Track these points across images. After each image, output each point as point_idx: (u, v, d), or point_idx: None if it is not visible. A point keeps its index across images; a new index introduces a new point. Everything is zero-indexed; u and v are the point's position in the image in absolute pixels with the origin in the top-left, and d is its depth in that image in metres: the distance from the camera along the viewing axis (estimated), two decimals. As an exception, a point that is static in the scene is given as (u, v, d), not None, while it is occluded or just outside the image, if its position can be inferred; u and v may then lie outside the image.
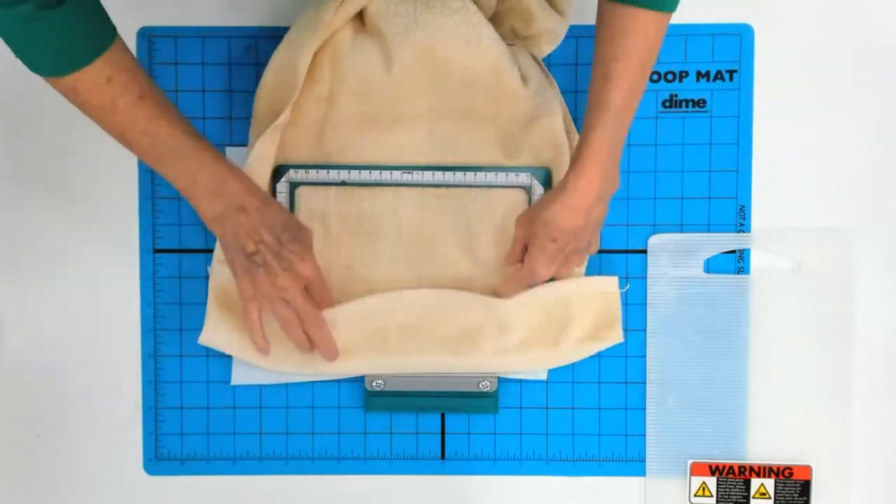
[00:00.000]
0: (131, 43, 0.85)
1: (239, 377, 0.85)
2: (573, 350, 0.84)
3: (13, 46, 0.67)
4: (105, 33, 0.68)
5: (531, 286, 0.81)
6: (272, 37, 0.84)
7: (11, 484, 0.87)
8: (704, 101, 0.85)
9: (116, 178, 0.86)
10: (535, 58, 0.83)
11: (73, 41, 0.66)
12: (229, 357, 0.85)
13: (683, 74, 0.85)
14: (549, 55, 0.84)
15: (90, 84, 0.68)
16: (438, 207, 0.84)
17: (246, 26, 0.85)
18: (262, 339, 0.78)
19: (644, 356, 0.86)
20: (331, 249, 0.84)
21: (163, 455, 0.87)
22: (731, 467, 0.85)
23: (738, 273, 0.86)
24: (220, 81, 0.85)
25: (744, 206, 0.85)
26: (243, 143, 0.84)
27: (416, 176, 0.84)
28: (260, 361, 0.83)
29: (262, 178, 0.81)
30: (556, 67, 0.84)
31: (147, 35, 0.85)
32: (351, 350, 0.82)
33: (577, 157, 0.73)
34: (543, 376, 0.85)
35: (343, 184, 0.84)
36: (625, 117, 0.71)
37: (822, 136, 0.86)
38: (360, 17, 0.81)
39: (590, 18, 0.83)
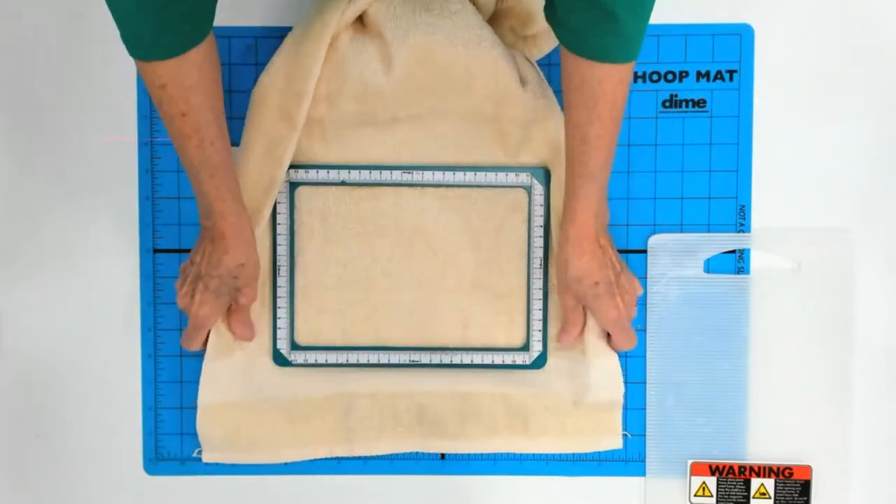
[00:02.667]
0: (131, 43, 0.85)
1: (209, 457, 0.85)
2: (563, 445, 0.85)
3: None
4: (176, 44, 0.68)
5: (622, 327, 0.81)
6: (272, 37, 0.84)
7: (11, 484, 0.87)
8: (704, 101, 0.85)
9: (116, 178, 0.86)
10: (531, 62, 0.83)
11: (152, 34, 0.67)
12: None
13: (683, 74, 0.85)
14: (549, 55, 0.84)
15: (148, 79, 0.69)
16: (438, 207, 0.84)
17: (246, 26, 0.85)
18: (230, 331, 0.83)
19: (644, 356, 0.86)
20: (330, 249, 0.84)
21: (163, 455, 0.87)
22: (731, 467, 0.85)
23: (738, 273, 0.86)
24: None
25: (744, 206, 0.85)
26: (243, 143, 0.84)
27: (416, 176, 0.84)
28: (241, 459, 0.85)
29: (274, 184, 0.82)
30: (557, 67, 0.84)
31: (147, 35, 0.85)
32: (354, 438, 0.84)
33: (570, 214, 0.76)
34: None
35: (343, 184, 0.84)
36: (607, 169, 0.75)
37: (821, 136, 0.86)
38: (359, 19, 0.81)
39: (590, 18, 0.83)
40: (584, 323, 0.82)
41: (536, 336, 0.85)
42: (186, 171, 0.75)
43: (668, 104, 0.85)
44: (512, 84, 0.81)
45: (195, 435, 0.84)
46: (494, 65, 0.80)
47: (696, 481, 0.86)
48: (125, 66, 0.85)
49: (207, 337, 0.82)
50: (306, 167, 0.84)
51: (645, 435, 0.86)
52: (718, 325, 0.85)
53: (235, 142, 0.85)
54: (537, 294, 0.85)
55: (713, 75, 0.85)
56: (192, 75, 0.69)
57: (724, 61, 0.85)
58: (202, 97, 0.71)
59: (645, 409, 0.86)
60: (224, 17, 0.84)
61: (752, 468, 0.85)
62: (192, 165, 0.74)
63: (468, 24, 0.80)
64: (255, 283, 0.80)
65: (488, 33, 0.80)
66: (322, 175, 0.84)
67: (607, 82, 0.69)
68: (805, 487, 0.85)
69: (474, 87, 0.82)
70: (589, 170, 0.73)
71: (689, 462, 0.85)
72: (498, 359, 0.85)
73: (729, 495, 0.85)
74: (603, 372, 0.83)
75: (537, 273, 0.85)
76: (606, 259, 0.78)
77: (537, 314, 0.85)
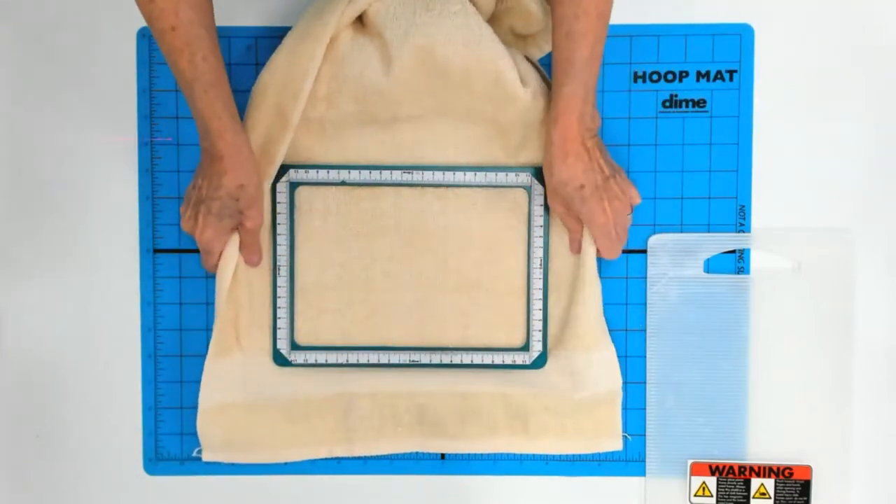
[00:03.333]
0: (131, 43, 0.85)
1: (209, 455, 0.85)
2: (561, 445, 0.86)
3: None
4: None
5: (610, 233, 0.81)
6: (272, 37, 0.84)
7: (11, 484, 0.87)
8: (704, 101, 0.85)
9: (116, 178, 0.86)
10: (532, 61, 0.83)
11: None
12: (229, 357, 0.85)
13: (683, 74, 0.85)
14: (549, 55, 0.84)
15: None
16: (438, 207, 0.84)
17: (246, 26, 0.85)
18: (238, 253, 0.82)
19: (644, 356, 0.86)
20: (330, 249, 0.84)
21: (163, 455, 0.87)
22: (731, 467, 0.85)
23: (738, 273, 0.86)
24: (220, 81, 0.85)
25: (744, 206, 0.85)
26: (243, 143, 0.84)
27: (416, 176, 0.84)
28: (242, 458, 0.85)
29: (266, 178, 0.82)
30: (556, 67, 0.84)
31: (147, 35, 0.85)
32: (354, 438, 0.85)
33: (553, 114, 0.77)
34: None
35: (343, 184, 0.84)
36: (592, 67, 0.76)
37: (821, 136, 0.86)
38: (359, 19, 0.81)
39: (590, 18, 0.83)
40: (591, 228, 0.82)
41: (536, 336, 0.85)
42: (182, 92, 0.75)
43: (668, 104, 0.85)
44: (512, 84, 0.81)
45: (195, 435, 0.84)
46: (494, 65, 0.80)
47: (696, 481, 0.86)
48: (125, 66, 0.85)
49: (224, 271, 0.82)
50: (306, 167, 0.84)
51: (645, 435, 0.86)
52: (718, 325, 0.85)
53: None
54: (537, 294, 0.85)
55: (713, 75, 0.85)
56: None
57: (724, 61, 0.85)
58: (191, 11, 0.72)
59: (645, 409, 0.86)
60: (224, 17, 0.84)
61: (752, 468, 0.85)
62: (185, 82, 0.74)
63: (468, 24, 0.80)
64: (258, 205, 0.79)
65: (488, 33, 0.80)
66: (322, 175, 0.84)
67: None
68: (805, 487, 0.85)
69: (474, 87, 0.82)
70: (573, 67, 0.74)
71: (689, 462, 0.85)
72: (498, 359, 0.85)
73: (729, 495, 0.85)
74: (601, 363, 0.84)
75: (537, 273, 0.85)
76: (593, 162, 0.78)
77: (537, 314, 0.85)
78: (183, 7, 0.71)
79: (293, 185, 0.84)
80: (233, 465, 0.85)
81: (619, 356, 0.85)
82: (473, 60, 0.80)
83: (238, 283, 0.84)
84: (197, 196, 0.79)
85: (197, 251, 0.85)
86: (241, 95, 0.84)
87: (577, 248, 0.83)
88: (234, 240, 0.81)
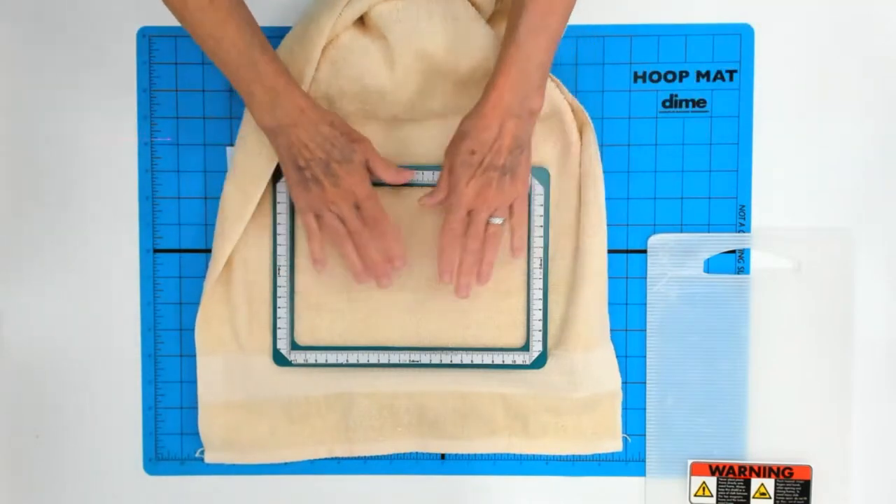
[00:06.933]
0: (131, 43, 0.85)
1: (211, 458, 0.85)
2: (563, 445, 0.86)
3: None
4: None
5: (458, 209, 0.77)
6: (272, 37, 0.84)
7: (11, 484, 0.87)
8: (704, 101, 0.85)
9: (116, 178, 0.86)
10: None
11: None
12: (229, 357, 0.86)
13: (683, 74, 0.85)
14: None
15: None
16: (438, 207, 0.84)
17: (246, 26, 0.85)
18: (319, 248, 0.80)
19: (644, 356, 0.86)
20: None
21: (163, 455, 0.87)
22: (731, 467, 0.85)
23: (738, 273, 0.86)
24: (219, 81, 0.85)
25: (744, 206, 0.85)
26: (243, 142, 0.84)
27: (417, 175, 0.84)
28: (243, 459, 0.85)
29: (264, 176, 0.81)
30: (556, 67, 0.84)
31: (147, 35, 0.85)
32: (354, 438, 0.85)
33: (492, 76, 0.74)
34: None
35: (343, 184, 0.84)
36: (539, 40, 0.72)
37: (822, 137, 0.86)
38: (360, 20, 0.81)
39: (590, 18, 0.84)
40: (449, 195, 0.78)
41: (536, 336, 0.85)
42: (234, 78, 0.73)
43: (668, 104, 0.85)
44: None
45: (195, 435, 0.84)
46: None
47: (696, 481, 0.86)
48: (126, 67, 0.85)
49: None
50: (306, 167, 0.84)
51: (645, 435, 0.86)
52: (718, 325, 0.85)
53: (232, 142, 0.85)
54: (537, 294, 0.85)
55: (713, 75, 0.85)
56: None
57: (724, 61, 0.85)
58: None
59: (645, 409, 0.86)
60: (224, 17, 0.84)
61: (752, 468, 0.85)
62: (240, 55, 0.72)
63: (470, 29, 0.80)
64: (351, 129, 0.77)
65: (490, 39, 0.80)
66: (322, 175, 0.84)
67: None
68: (805, 487, 0.85)
69: (475, 89, 0.82)
70: (517, 34, 0.72)
71: (689, 462, 0.85)
72: (498, 359, 0.85)
73: (729, 495, 0.85)
74: (601, 363, 0.84)
75: (537, 273, 0.85)
76: (502, 143, 0.74)
77: (537, 314, 0.85)
78: None
79: (293, 185, 0.84)
80: (233, 465, 0.85)
81: (619, 356, 0.85)
82: (475, 64, 0.80)
83: (237, 283, 0.84)
84: (321, 170, 0.75)
85: (197, 251, 0.85)
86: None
87: (428, 204, 0.79)
88: (235, 235, 0.81)
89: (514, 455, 0.86)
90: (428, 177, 0.84)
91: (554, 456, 0.86)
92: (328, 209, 0.77)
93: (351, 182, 0.76)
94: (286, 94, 0.74)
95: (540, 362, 0.85)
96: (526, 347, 0.85)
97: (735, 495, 0.85)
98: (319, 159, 0.75)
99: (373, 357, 0.85)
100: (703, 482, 0.85)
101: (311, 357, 0.85)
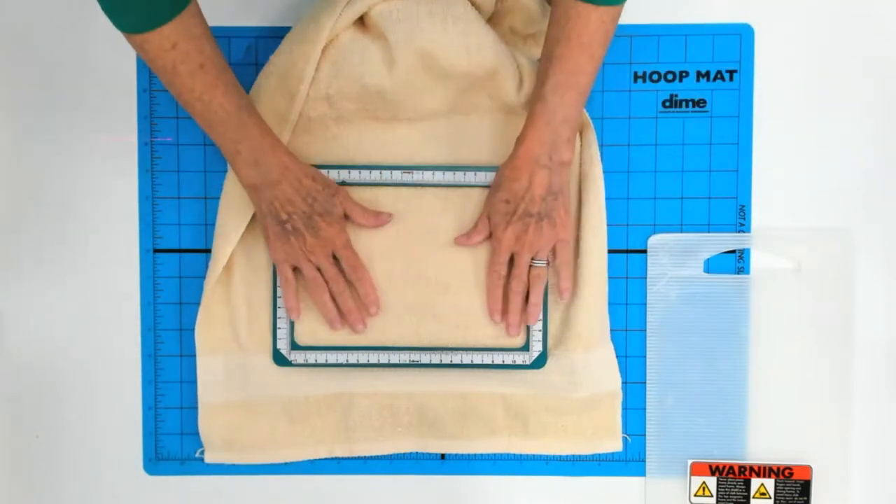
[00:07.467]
0: (131, 43, 0.85)
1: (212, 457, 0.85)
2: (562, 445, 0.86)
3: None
4: (177, 1, 0.69)
5: (499, 253, 0.81)
6: (272, 37, 0.84)
7: (11, 484, 0.87)
8: (704, 101, 0.85)
9: (116, 178, 0.86)
10: (532, 62, 0.83)
11: (144, 4, 0.68)
12: (229, 357, 0.86)
13: (683, 74, 0.85)
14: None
15: (156, 47, 0.70)
16: (438, 207, 0.84)
17: (246, 26, 0.85)
18: (294, 300, 0.82)
19: (644, 356, 0.86)
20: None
21: (163, 455, 0.87)
22: (731, 467, 0.85)
23: (738, 273, 0.86)
24: (220, 81, 0.85)
25: (744, 206, 0.85)
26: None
27: (417, 176, 0.84)
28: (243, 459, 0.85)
29: None
30: (556, 67, 0.84)
31: (147, 35, 0.85)
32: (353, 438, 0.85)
33: (522, 129, 0.78)
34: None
35: (343, 183, 0.84)
36: (565, 96, 0.75)
37: (822, 137, 0.86)
38: (360, 20, 0.81)
39: (590, 18, 0.83)
40: (489, 235, 0.82)
41: (536, 336, 0.85)
42: (220, 138, 0.75)
43: (668, 104, 0.85)
44: (513, 87, 0.81)
45: (195, 435, 0.84)
46: (496, 69, 0.81)
47: (696, 481, 0.86)
48: (126, 67, 0.85)
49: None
50: (306, 167, 0.84)
51: (645, 435, 0.86)
52: (718, 325, 0.85)
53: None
54: (537, 294, 0.85)
55: (713, 75, 0.85)
56: (198, 24, 0.71)
57: (724, 61, 0.85)
58: (210, 43, 0.73)
59: (645, 409, 0.86)
60: (224, 17, 0.84)
61: (752, 468, 0.85)
62: (228, 116, 0.74)
63: (470, 29, 0.80)
64: (329, 180, 0.81)
65: (491, 39, 0.80)
66: (322, 175, 0.84)
67: (583, 15, 0.72)
68: (805, 487, 0.85)
69: (475, 89, 0.82)
70: (543, 90, 0.75)
71: (689, 462, 0.85)
72: (498, 359, 0.85)
73: (729, 495, 0.85)
74: (601, 363, 0.84)
75: (537, 273, 0.85)
76: (533, 193, 0.78)
77: (537, 314, 0.85)
78: (205, 42, 0.72)
79: (293, 185, 0.84)
80: (233, 465, 0.85)
81: (619, 356, 0.85)
82: (475, 65, 0.80)
83: (237, 283, 0.84)
84: (302, 222, 0.78)
85: (196, 251, 0.85)
86: (241, 95, 0.84)
87: (463, 242, 0.83)
88: (236, 232, 0.82)
89: (514, 455, 0.86)
90: (428, 177, 0.84)
91: (554, 456, 0.86)
92: (307, 259, 0.80)
93: (331, 232, 0.80)
94: (272, 153, 0.77)
95: (540, 362, 0.85)
96: (526, 347, 0.85)
97: (735, 495, 0.85)
98: (303, 212, 0.78)
99: (373, 357, 0.85)
100: (703, 482, 0.85)
101: (311, 357, 0.85)
